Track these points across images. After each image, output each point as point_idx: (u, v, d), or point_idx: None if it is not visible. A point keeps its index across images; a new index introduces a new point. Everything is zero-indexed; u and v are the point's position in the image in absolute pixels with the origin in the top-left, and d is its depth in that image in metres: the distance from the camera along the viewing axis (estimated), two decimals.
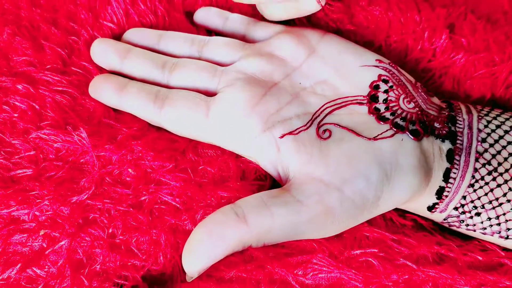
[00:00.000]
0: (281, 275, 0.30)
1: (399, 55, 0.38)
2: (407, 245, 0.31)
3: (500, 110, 0.34)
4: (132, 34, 0.38)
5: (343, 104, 0.32)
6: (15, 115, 0.33)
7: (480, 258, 0.31)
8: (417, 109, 0.32)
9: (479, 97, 0.36)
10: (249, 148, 0.32)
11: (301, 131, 0.31)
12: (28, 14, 0.38)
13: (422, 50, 0.38)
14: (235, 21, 0.39)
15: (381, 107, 0.32)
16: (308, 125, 0.31)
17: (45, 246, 0.29)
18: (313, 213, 0.28)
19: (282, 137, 0.31)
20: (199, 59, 0.36)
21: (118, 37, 0.38)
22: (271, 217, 0.28)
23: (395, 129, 0.31)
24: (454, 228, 0.33)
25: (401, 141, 0.30)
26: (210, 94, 0.34)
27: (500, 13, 0.38)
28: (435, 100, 0.34)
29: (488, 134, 0.31)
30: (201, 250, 0.26)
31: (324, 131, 0.31)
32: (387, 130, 0.31)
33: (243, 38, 0.39)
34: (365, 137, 0.30)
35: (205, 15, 0.40)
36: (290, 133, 0.31)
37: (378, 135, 0.30)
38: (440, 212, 0.32)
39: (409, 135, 0.30)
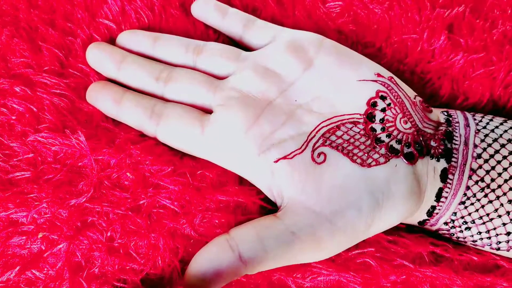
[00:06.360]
0: (280, 279, 0.30)
1: (399, 56, 0.38)
2: (403, 245, 0.32)
3: (502, 119, 0.33)
4: (126, 38, 0.37)
5: (339, 123, 0.32)
6: (13, 117, 0.33)
7: (475, 258, 0.32)
8: (413, 129, 0.31)
9: (479, 98, 0.36)
10: (245, 170, 0.32)
11: (295, 155, 0.31)
12: (26, 16, 0.38)
13: (421, 51, 0.37)
14: (233, 18, 0.39)
15: (377, 127, 0.31)
16: (303, 148, 0.31)
17: (43, 248, 0.29)
18: (304, 245, 0.28)
19: (277, 161, 0.30)
20: (194, 68, 0.36)
21: (114, 36, 0.38)
22: (265, 252, 0.28)
23: (389, 154, 0.30)
24: (446, 237, 0.33)
25: (395, 167, 0.30)
26: (205, 109, 0.34)
27: (499, 11, 0.38)
28: (433, 116, 0.33)
29: (484, 149, 0.31)
30: (199, 286, 0.27)
31: (319, 154, 0.30)
32: (381, 156, 0.30)
33: (240, 41, 0.38)
34: (359, 164, 0.30)
35: (203, 8, 0.39)
36: (285, 157, 0.30)
37: (372, 160, 0.30)
38: (431, 226, 0.32)
39: (404, 159, 0.30)
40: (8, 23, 0.37)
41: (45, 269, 0.29)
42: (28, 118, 0.33)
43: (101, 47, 0.36)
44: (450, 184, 0.30)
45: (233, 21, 0.38)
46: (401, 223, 0.33)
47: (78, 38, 0.37)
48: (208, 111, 0.34)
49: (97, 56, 0.36)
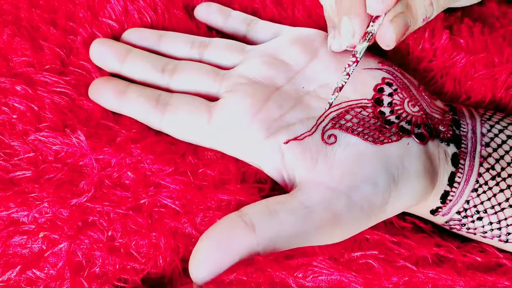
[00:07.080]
0: (281, 278, 0.30)
1: (400, 54, 0.38)
2: (407, 247, 0.31)
3: (503, 114, 0.33)
4: (132, 34, 0.37)
5: (348, 108, 0.32)
6: (14, 116, 0.33)
7: (479, 259, 0.31)
8: (422, 112, 0.31)
9: (480, 98, 0.36)
10: (253, 154, 0.32)
11: (306, 136, 0.30)
12: (28, 15, 0.38)
13: (423, 49, 0.37)
14: (236, 19, 0.39)
15: (386, 110, 0.31)
16: (312, 130, 0.31)
17: (44, 248, 0.29)
18: (321, 220, 0.27)
19: (287, 142, 0.30)
20: (199, 61, 0.36)
21: (117, 35, 0.38)
22: (279, 224, 0.27)
23: (401, 133, 0.30)
24: (455, 230, 0.33)
25: (407, 145, 0.30)
26: (211, 98, 0.34)
27: (493, 18, 0.38)
28: (439, 103, 0.33)
29: (491, 139, 0.31)
30: (209, 261, 0.25)
31: (329, 136, 0.30)
32: (392, 134, 0.30)
33: (244, 39, 0.38)
34: (371, 142, 0.30)
35: (206, 11, 0.40)
36: (295, 138, 0.30)
37: (384, 139, 0.30)
38: (443, 215, 0.32)
39: (415, 138, 0.30)
40: (10, 22, 0.38)
41: (46, 268, 0.29)
42: (29, 117, 0.33)
43: (105, 42, 0.36)
44: (462, 169, 0.30)
45: (236, 22, 0.39)
46: (409, 221, 0.34)
47: (79, 36, 0.37)
48: (215, 100, 0.34)
49: (101, 51, 0.35)
